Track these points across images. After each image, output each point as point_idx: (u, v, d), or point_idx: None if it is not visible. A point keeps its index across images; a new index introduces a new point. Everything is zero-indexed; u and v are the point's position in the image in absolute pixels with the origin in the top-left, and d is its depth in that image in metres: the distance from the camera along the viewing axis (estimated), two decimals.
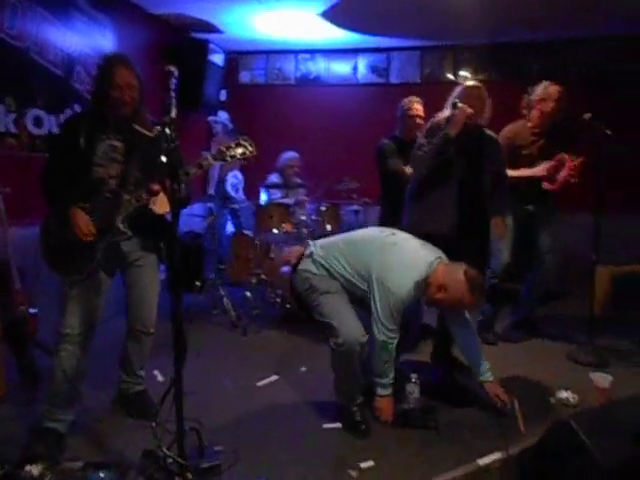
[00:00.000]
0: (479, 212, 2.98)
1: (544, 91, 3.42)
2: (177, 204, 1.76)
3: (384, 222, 3.65)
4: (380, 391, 2.51)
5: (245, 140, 2.18)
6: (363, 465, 2.14)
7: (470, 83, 3.03)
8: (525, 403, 2.70)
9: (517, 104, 3.62)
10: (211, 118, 5.55)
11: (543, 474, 2.12)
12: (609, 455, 1.92)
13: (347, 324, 2.35)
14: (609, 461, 1.89)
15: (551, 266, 3.57)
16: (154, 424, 1.94)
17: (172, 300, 1.77)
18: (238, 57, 5.89)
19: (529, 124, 3.52)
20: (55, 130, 3.63)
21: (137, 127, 2.19)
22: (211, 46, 5.15)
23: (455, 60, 5.34)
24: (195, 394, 2.66)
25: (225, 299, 4.36)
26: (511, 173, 3.40)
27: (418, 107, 3.72)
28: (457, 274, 2.38)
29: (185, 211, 4.73)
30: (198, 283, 4.42)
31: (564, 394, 2.72)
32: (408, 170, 3.43)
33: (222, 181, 5.36)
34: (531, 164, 3.47)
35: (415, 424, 2.46)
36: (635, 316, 4.29)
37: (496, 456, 2.23)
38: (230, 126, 5.54)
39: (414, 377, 2.57)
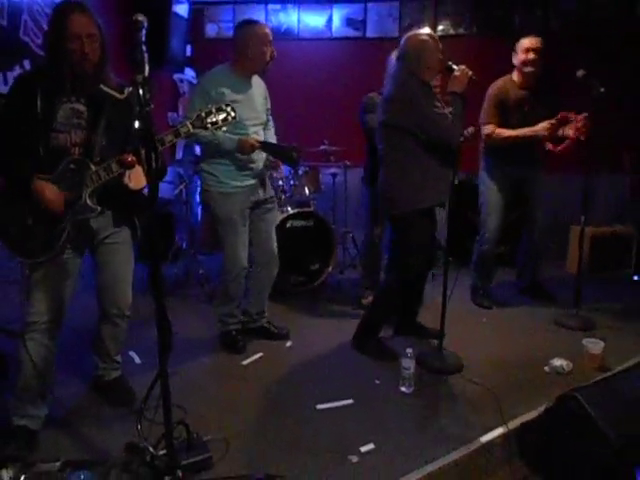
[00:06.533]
0: None
1: (517, 44, 3.36)
2: (155, 177, 1.53)
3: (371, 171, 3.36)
4: None
5: (227, 105, 1.97)
6: (363, 449, 2.03)
7: (426, 31, 2.73)
8: (519, 373, 2.68)
9: (498, 59, 3.49)
10: (177, 76, 5.19)
11: (547, 448, 2.08)
12: (617, 428, 1.88)
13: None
14: (618, 434, 1.86)
15: (542, 224, 3.60)
16: (138, 426, 1.79)
17: (154, 293, 1.54)
18: (203, 8, 5.45)
19: (515, 79, 3.41)
20: (3, 90, 3.26)
21: (105, 88, 1.90)
22: None
23: (435, 12, 5.08)
24: (176, 374, 2.52)
25: (200, 270, 4.16)
26: (510, 133, 3.31)
27: None
28: None
29: None
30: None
31: (557, 362, 2.69)
32: None
33: (191, 144, 5.06)
34: (523, 122, 3.33)
35: None
36: (613, 276, 4.36)
37: (498, 432, 2.16)
38: None
39: (409, 352, 2.47)
